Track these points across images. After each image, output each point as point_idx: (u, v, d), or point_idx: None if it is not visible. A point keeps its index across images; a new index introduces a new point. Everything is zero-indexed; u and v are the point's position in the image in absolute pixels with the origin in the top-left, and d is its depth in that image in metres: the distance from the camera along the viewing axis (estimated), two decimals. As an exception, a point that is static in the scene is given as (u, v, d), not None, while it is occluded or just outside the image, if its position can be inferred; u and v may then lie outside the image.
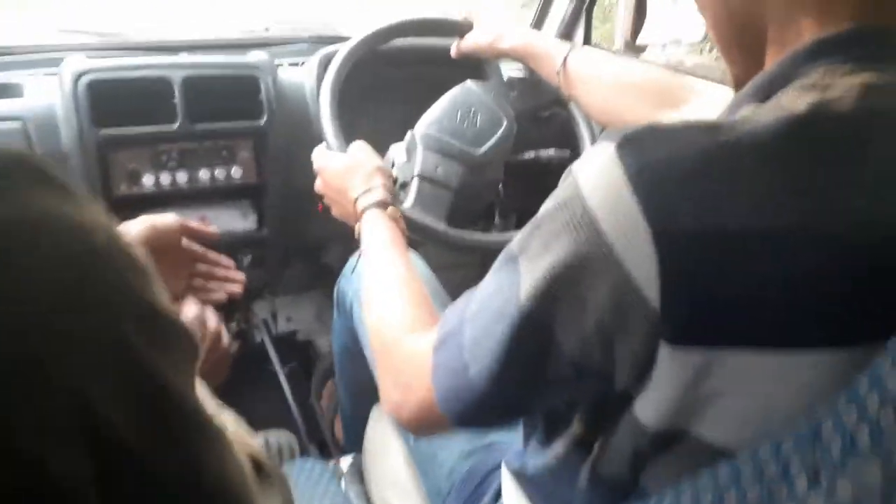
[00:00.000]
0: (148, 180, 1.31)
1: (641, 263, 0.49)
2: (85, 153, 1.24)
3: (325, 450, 1.60)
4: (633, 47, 1.64)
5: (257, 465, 0.51)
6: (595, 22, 1.67)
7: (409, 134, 1.18)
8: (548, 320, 0.54)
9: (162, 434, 0.38)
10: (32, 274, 0.32)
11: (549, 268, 0.53)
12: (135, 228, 0.92)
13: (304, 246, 1.68)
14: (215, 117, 1.32)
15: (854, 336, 0.49)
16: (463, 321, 0.62)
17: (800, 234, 0.48)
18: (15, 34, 1.55)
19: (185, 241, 0.98)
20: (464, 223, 1.19)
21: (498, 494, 0.85)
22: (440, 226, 1.09)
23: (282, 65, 1.45)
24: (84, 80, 1.23)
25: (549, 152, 1.40)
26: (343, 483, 1.20)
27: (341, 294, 1.28)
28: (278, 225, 1.44)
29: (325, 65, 1.27)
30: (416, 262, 1.19)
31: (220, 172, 1.35)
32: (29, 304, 0.32)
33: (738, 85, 0.64)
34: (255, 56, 1.39)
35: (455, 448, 0.98)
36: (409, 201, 1.11)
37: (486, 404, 0.61)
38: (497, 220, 1.49)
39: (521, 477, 0.76)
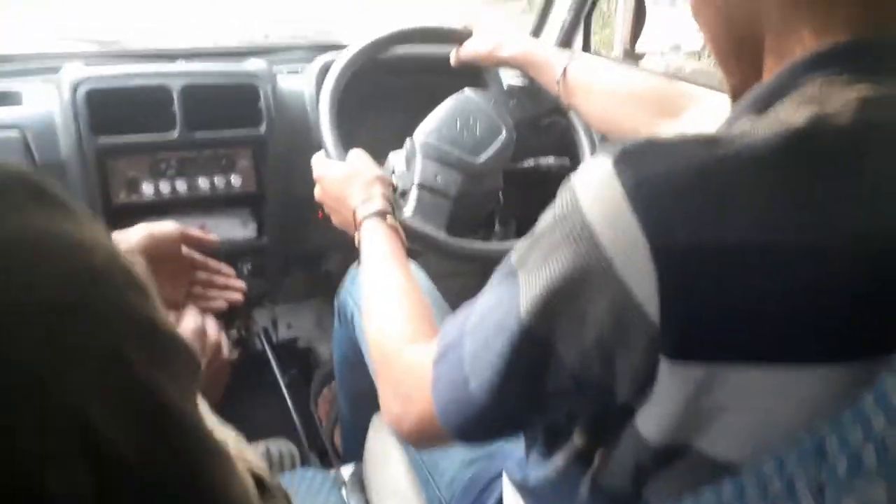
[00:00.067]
0: (147, 188, 1.30)
1: (641, 278, 0.48)
2: (84, 161, 1.24)
3: (326, 458, 1.59)
4: (633, 54, 1.64)
5: (259, 482, 0.51)
6: (594, 27, 1.67)
7: (408, 142, 1.18)
8: (548, 334, 0.54)
9: (162, 451, 0.38)
10: (31, 292, 0.32)
11: (548, 281, 0.53)
12: (134, 236, 0.91)
13: (305, 254, 1.68)
14: (214, 125, 1.32)
15: (855, 351, 0.49)
16: (463, 333, 0.62)
17: (798, 247, 0.47)
18: (14, 42, 1.55)
19: (184, 249, 0.98)
20: (463, 231, 1.19)
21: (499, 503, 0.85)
22: (440, 235, 1.09)
23: (281, 72, 1.45)
24: (83, 88, 1.23)
25: (549, 160, 1.40)
26: (344, 492, 1.20)
27: (342, 304, 1.28)
28: (278, 233, 1.44)
29: (324, 73, 1.27)
30: (416, 272, 1.19)
31: (219, 181, 1.35)
32: (28, 322, 0.32)
33: (735, 95, 0.64)
34: (254, 64, 1.39)
35: (456, 457, 0.97)
36: (408, 210, 1.10)
37: (486, 418, 0.61)
38: (497, 227, 1.49)
39: (522, 488, 0.76)
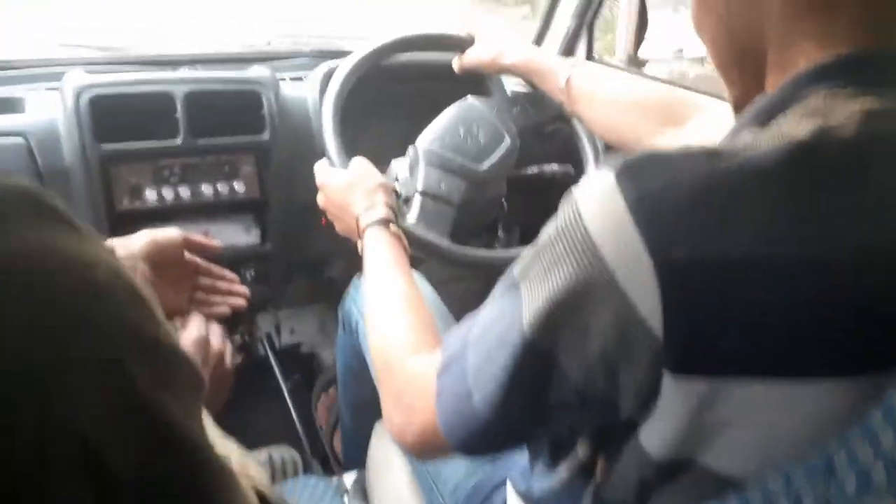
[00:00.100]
0: (150, 195, 1.30)
1: (644, 293, 0.48)
2: (87, 168, 1.24)
3: (328, 466, 1.59)
4: (636, 61, 1.64)
5: (262, 498, 0.51)
6: (597, 33, 1.67)
7: (410, 149, 1.17)
8: (551, 347, 0.54)
9: (164, 469, 0.37)
10: (33, 308, 0.32)
11: (550, 294, 0.53)
12: (137, 243, 0.91)
13: (308, 260, 1.68)
14: (217, 132, 1.32)
15: (861, 365, 0.49)
16: (466, 345, 0.62)
17: (802, 260, 0.47)
18: (17, 47, 1.56)
19: (187, 255, 0.98)
20: (467, 238, 1.19)
21: (503, 512, 0.85)
22: (443, 242, 1.09)
23: (284, 79, 1.45)
24: (86, 95, 1.23)
25: (553, 167, 1.40)
26: (346, 500, 1.19)
27: (346, 313, 1.28)
28: (281, 239, 1.44)
29: (327, 79, 1.27)
30: (419, 280, 1.19)
31: (222, 187, 1.35)
32: (29, 337, 0.32)
33: (737, 106, 0.63)
34: (257, 71, 1.39)
35: (459, 465, 0.97)
36: (411, 217, 1.10)
37: (490, 431, 0.61)
38: (500, 234, 1.49)
39: (527, 498, 0.76)
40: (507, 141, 1.20)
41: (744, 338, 0.48)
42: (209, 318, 0.89)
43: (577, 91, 1.11)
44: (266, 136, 1.34)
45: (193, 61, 1.48)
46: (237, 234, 1.42)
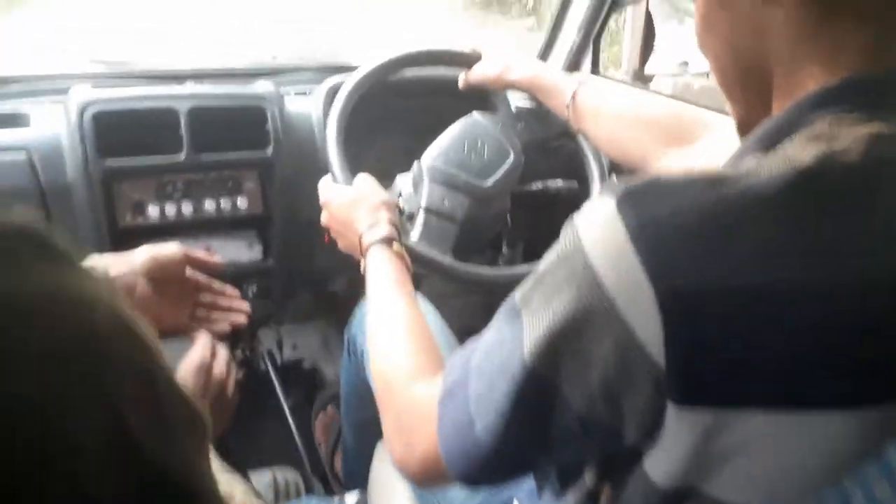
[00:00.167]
0: (153, 211, 1.30)
1: (645, 321, 0.48)
2: (90, 184, 1.24)
3: (329, 485, 1.58)
4: (642, 77, 1.64)
5: None
6: (602, 45, 1.66)
7: (415, 165, 1.17)
8: (552, 375, 0.53)
9: None
10: (30, 350, 0.32)
11: (551, 322, 0.53)
12: (137, 259, 0.91)
13: (310, 276, 1.67)
14: (221, 147, 1.31)
15: (869, 395, 0.48)
16: (468, 372, 0.61)
17: (805, 288, 0.47)
18: (22, 62, 1.56)
19: (188, 271, 0.97)
20: (470, 254, 1.18)
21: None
22: (446, 260, 1.08)
23: (288, 94, 1.44)
24: (90, 111, 1.23)
25: (558, 183, 1.39)
26: (348, 520, 1.18)
27: (352, 337, 1.27)
28: (284, 255, 1.43)
29: (332, 95, 1.26)
30: (421, 302, 1.18)
31: (225, 203, 1.34)
32: (25, 379, 0.32)
33: (741, 125, 0.63)
34: (262, 86, 1.39)
35: (464, 485, 0.96)
36: (415, 235, 1.10)
37: (492, 460, 0.60)
38: (504, 249, 1.48)
39: (533, 524, 0.75)
40: (512, 157, 1.20)
41: (748, 368, 0.47)
42: (216, 346, 0.88)
43: (583, 108, 1.10)
44: (270, 151, 1.34)
45: (198, 76, 1.48)
46: (239, 250, 1.41)
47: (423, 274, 1.08)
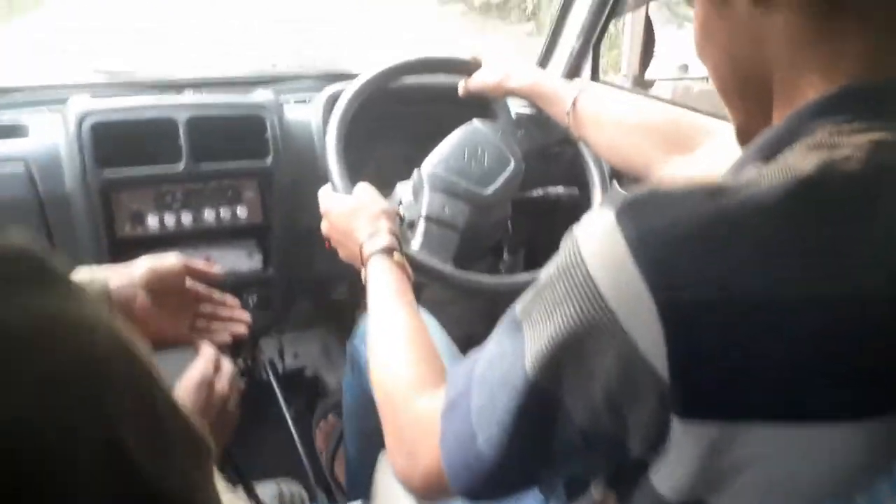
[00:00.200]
0: (152, 221, 1.29)
1: (647, 333, 0.47)
2: (88, 194, 1.23)
3: (332, 495, 1.57)
4: (642, 82, 1.63)
5: None
6: (601, 49, 1.66)
7: (415, 173, 1.17)
8: (555, 389, 0.53)
9: None
10: (29, 376, 0.32)
11: (553, 335, 0.52)
12: (137, 270, 0.91)
13: (311, 283, 1.66)
14: (220, 157, 1.31)
15: (869, 407, 0.47)
16: (470, 385, 0.61)
17: (808, 298, 0.46)
18: (21, 71, 1.56)
19: (188, 282, 0.97)
20: (471, 260, 1.18)
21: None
22: (447, 268, 1.08)
23: (287, 102, 1.44)
24: (88, 121, 1.22)
25: (558, 190, 1.38)
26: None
27: (355, 351, 1.26)
28: (284, 264, 1.43)
29: (331, 103, 1.26)
30: (422, 312, 1.18)
31: (225, 213, 1.33)
32: (26, 409, 0.31)
33: (740, 133, 0.62)
34: (261, 95, 1.38)
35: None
36: (415, 243, 1.09)
37: (495, 474, 0.59)
38: (505, 256, 1.48)
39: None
40: (512, 164, 1.19)
41: (753, 380, 0.47)
42: (219, 359, 0.87)
43: (584, 115, 1.09)
44: (269, 160, 1.33)
45: (196, 85, 1.47)
46: (239, 260, 1.41)
47: (424, 282, 1.07)
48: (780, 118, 0.55)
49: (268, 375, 1.69)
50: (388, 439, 0.73)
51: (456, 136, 1.19)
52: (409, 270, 0.97)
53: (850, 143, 0.49)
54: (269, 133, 1.33)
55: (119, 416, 0.34)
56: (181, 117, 1.27)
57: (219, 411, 0.80)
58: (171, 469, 0.37)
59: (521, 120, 1.29)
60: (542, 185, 1.40)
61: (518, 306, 0.58)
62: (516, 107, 1.33)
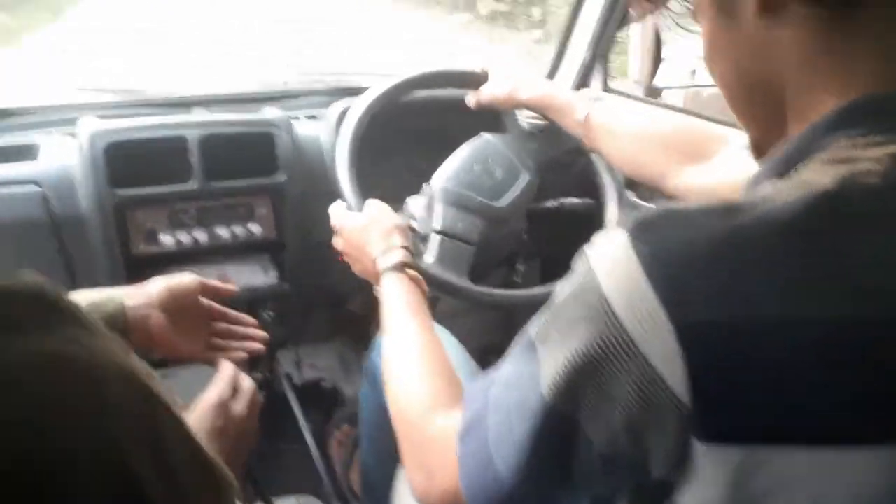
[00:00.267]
0: (166, 239, 1.30)
1: (666, 357, 0.46)
2: (102, 214, 1.24)
3: (350, 510, 1.57)
4: (652, 91, 1.63)
5: None
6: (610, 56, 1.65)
7: (426, 187, 1.16)
8: (572, 412, 0.52)
9: None
10: (44, 420, 0.32)
11: (569, 359, 0.51)
12: (152, 290, 0.92)
13: (327, 296, 1.66)
14: (232, 174, 1.31)
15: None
16: (486, 407, 0.60)
17: (831, 319, 0.45)
18: (32, 92, 1.57)
19: (203, 300, 0.97)
20: (485, 272, 1.17)
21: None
22: (462, 282, 1.08)
23: (298, 118, 1.44)
24: (100, 142, 1.23)
25: (573, 200, 1.38)
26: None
27: (373, 367, 1.26)
28: (299, 278, 1.43)
29: (341, 118, 1.26)
30: (438, 328, 1.17)
31: (238, 229, 1.34)
32: (40, 450, 0.31)
33: (754, 147, 0.62)
34: (271, 112, 1.39)
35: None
36: (429, 257, 1.09)
37: (514, 497, 0.58)
38: (521, 266, 1.47)
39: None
40: (525, 176, 1.19)
41: (776, 403, 0.46)
42: (239, 383, 0.87)
43: (597, 126, 1.09)
44: (281, 177, 1.34)
45: (207, 102, 1.48)
46: (254, 275, 1.41)
47: (437, 296, 1.07)
48: (794, 132, 0.55)
49: (286, 390, 1.69)
50: (405, 457, 0.73)
51: (465, 150, 1.19)
52: (424, 285, 0.97)
53: (867, 157, 0.48)
54: (279, 150, 1.33)
55: (131, 452, 0.34)
56: (192, 135, 1.27)
57: (237, 434, 0.80)
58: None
59: (532, 131, 1.28)
60: (556, 196, 1.39)
61: (532, 328, 0.58)
62: (525, 119, 1.33)
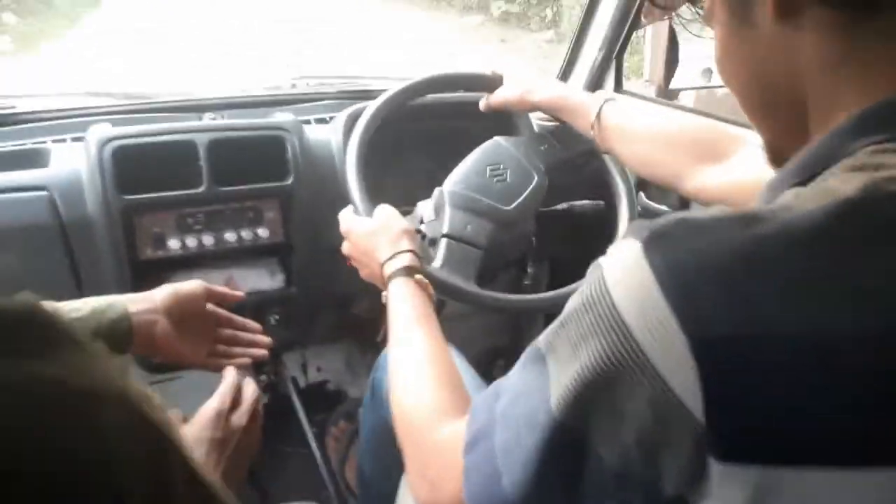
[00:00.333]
0: (174, 244, 1.29)
1: (680, 373, 0.44)
2: (110, 219, 1.23)
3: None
4: (667, 92, 1.61)
5: None
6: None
7: (436, 191, 1.15)
8: (582, 428, 0.50)
9: None
10: (38, 448, 0.31)
11: (579, 373, 0.50)
12: (158, 297, 0.92)
13: (333, 299, 1.66)
14: (241, 179, 1.31)
15: None
16: (493, 420, 0.59)
17: (853, 335, 0.43)
18: (42, 97, 1.57)
19: (209, 306, 0.98)
20: (494, 275, 1.16)
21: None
22: (470, 287, 1.06)
23: (308, 122, 1.44)
24: (109, 147, 1.23)
25: (583, 203, 1.36)
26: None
27: (378, 380, 1.24)
28: (306, 282, 1.42)
29: (351, 122, 1.25)
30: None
31: (246, 233, 1.33)
32: (29, 478, 0.30)
33: (771, 153, 0.60)
34: (281, 116, 1.38)
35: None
36: (438, 261, 1.08)
37: None
38: (530, 269, 1.45)
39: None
40: (536, 179, 1.18)
41: (795, 422, 0.44)
42: (241, 394, 0.86)
43: (610, 128, 1.07)
44: (290, 181, 1.33)
45: (216, 106, 1.47)
46: (262, 279, 1.40)
47: (445, 300, 1.06)
48: (814, 137, 0.53)
49: (291, 394, 1.68)
50: (409, 468, 0.71)
51: (477, 154, 1.18)
52: (431, 289, 0.95)
53: (892, 164, 0.46)
54: (289, 154, 1.32)
55: (127, 482, 0.33)
56: (201, 140, 1.27)
57: (236, 445, 0.79)
58: None
59: (545, 134, 1.27)
60: (567, 199, 1.38)
61: (542, 339, 0.56)
62: (538, 121, 1.31)
